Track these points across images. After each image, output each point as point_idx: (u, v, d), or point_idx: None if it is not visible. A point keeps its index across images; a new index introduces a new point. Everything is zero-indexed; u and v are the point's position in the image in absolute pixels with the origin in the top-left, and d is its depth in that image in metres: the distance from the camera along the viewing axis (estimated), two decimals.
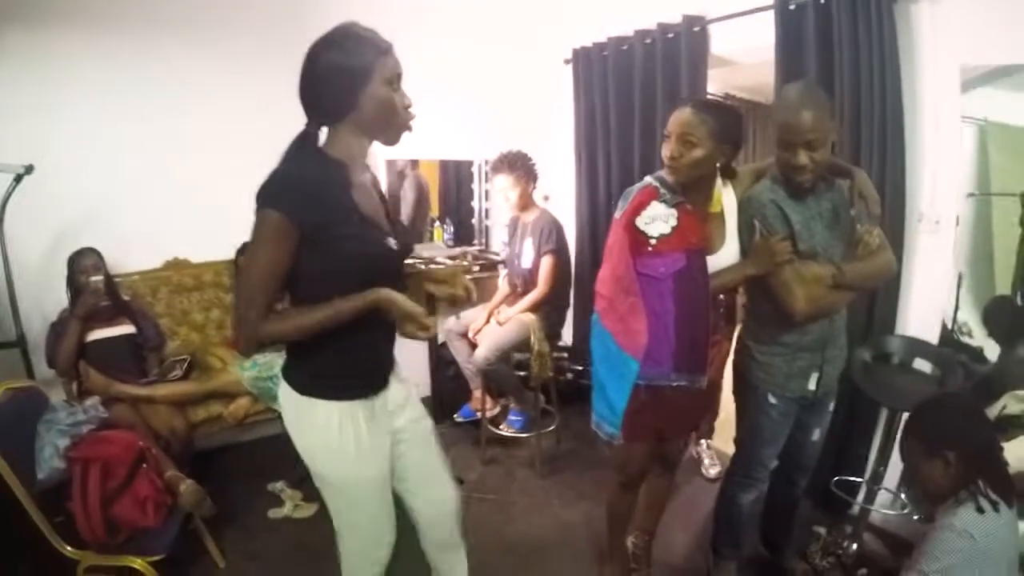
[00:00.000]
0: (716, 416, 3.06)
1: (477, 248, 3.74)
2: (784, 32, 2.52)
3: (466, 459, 3.19)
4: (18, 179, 2.32)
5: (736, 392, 2.09)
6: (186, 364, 2.74)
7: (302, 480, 2.60)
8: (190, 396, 2.61)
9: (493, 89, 3.66)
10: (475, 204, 3.84)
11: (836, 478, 2.50)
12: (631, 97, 3.16)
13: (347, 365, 1.43)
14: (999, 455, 1.48)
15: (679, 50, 2.93)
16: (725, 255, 1.82)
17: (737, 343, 2.06)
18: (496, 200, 3.56)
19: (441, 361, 3.41)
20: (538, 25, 3.71)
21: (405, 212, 3.70)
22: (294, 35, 1.34)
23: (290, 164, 1.29)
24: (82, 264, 2.51)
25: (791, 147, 1.68)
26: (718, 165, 1.75)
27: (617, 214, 1.81)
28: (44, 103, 2.60)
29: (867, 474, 2.47)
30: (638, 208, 1.75)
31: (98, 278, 2.48)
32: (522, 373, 3.07)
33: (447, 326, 3.27)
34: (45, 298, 2.58)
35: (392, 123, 1.36)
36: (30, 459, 1.97)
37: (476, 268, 3.48)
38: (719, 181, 1.82)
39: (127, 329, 2.63)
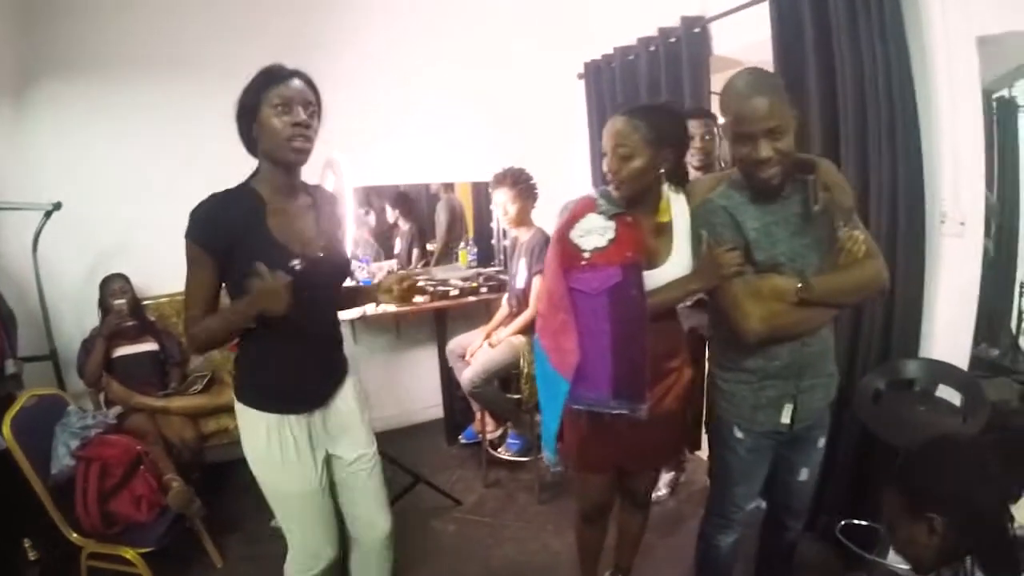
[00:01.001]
0: None
1: (495, 269, 3.84)
2: (780, 23, 2.41)
3: (468, 480, 3.29)
4: (48, 215, 2.80)
5: (706, 424, 1.97)
6: (207, 380, 3.10)
7: None
8: (202, 409, 2.96)
9: (514, 109, 3.81)
10: (494, 225, 3.95)
11: (844, 522, 2.24)
12: None
13: (273, 380, 1.61)
14: (1003, 525, 1.19)
15: (681, 54, 2.87)
16: (672, 269, 1.70)
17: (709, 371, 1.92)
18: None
19: (452, 382, 3.53)
20: (558, 41, 3.79)
21: (439, 234, 3.95)
22: (307, 70, 1.57)
23: (208, 199, 1.53)
24: (110, 288, 2.94)
25: (750, 139, 1.51)
26: (662, 171, 1.67)
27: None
28: (76, 143, 3.12)
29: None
30: (572, 221, 1.71)
31: (122, 301, 2.91)
32: (517, 396, 3.09)
33: (449, 347, 3.40)
34: (81, 317, 3.05)
35: (276, 143, 1.51)
36: (47, 456, 2.34)
37: (484, 289, 3.61)
38: (667, 189, 1.73)
39: (151, 346, 3.04)
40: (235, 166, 1.59)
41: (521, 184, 3.03)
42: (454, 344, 3.35)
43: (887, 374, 2.13)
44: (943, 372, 2.08)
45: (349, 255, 2.06)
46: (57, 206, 2.79)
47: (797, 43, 2.33)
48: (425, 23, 3.64)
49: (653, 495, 2.74)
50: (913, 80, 2.07)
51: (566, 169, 3.79)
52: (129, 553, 2.27)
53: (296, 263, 1.51)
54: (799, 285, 1.57)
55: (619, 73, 3.24)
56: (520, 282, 3.09)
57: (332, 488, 1.79)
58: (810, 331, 1.65)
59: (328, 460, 1.75)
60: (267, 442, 1.62)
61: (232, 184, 1.58)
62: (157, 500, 2.42)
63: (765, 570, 2.14)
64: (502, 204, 3.06)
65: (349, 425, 1.76)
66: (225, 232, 1.49)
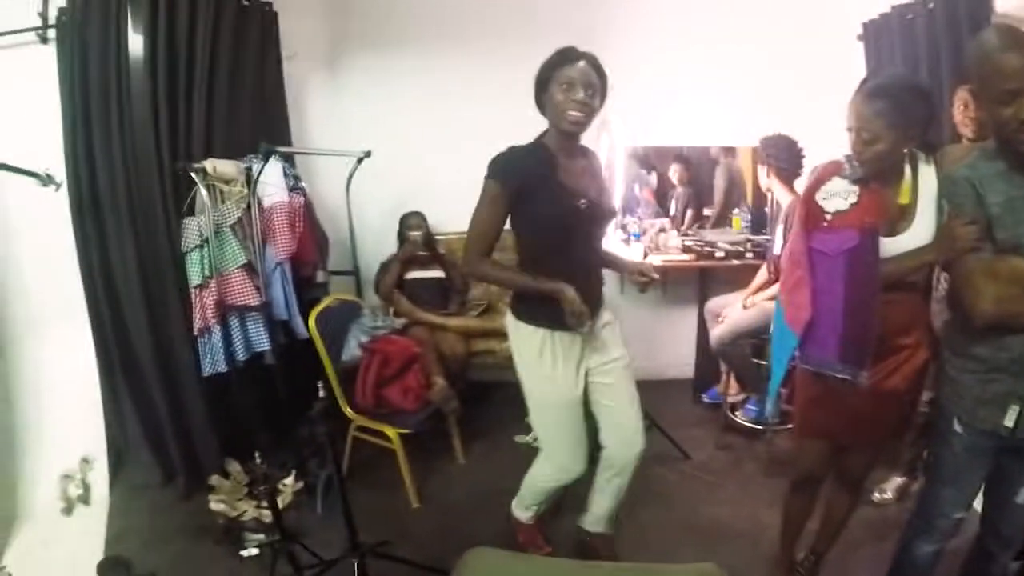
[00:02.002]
0: None
1: (765, 236, 3.73)
2: None
3: (702, 439, 3.37)
4: (359, 161, 3.50)
5: (932, 414, 1.91)
6: (483, 308, 3.63)
7: None
8: (475, 330, 3.48)
9: (796, 74, 3.68)
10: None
11: None
12: (917, 73, 2.84)
13: (546, 301, 1.94)
14: None
15: (960, 13, 2.60)
16: (911, 239, 1.69)
17: None
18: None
19: (706, 341, 3.61)
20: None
21: (716, 198, 4.08)
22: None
23: (510, 149, 1.93)
24: (408, 222, 3.54)
25: (1013, 98, 1.40)
26: (908, 151, 1.69)
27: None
28: (383, 103, 3.87)
29: None
30: (818, 183, 1.79)
31: (417, 233, 3.49)
32: (764, 363, 3.10)
33: (707, 306, 3.52)
34: (381, 245, 3.70)
35: (557, 114, 1.88)
36: (340, 346, 2.97)
37: (750, 255, 3.65)
38: (914, 165, 1.72)
39: (438, 274, 3.59)
40: (513, 128, 1.97)
41: (781, 151, 3.04)
42: (712, 304, 3.49)
43: None
44: None
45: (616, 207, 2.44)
46: (367, 154, 3.48)
47: None
48: None
49: (878, 496, 2.71)
50: None
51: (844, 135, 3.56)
52: (390, 431, 2.77)
53: (583, 202, 1.88)
54: None
55: (898, 35, 3.00)
56: (777, 248, 3.09)
57: (591, 405, 2.12)
58: None
59: (587, 375, 2.08)
60: (537, 353, 2.01)
61: (508, 141, 1.95)
62: (422, 395, 2.93)
63: None
64: (763, 170, 3.13)
65: (605, 341, 2.09)
66: (522, 176, 1.88)
